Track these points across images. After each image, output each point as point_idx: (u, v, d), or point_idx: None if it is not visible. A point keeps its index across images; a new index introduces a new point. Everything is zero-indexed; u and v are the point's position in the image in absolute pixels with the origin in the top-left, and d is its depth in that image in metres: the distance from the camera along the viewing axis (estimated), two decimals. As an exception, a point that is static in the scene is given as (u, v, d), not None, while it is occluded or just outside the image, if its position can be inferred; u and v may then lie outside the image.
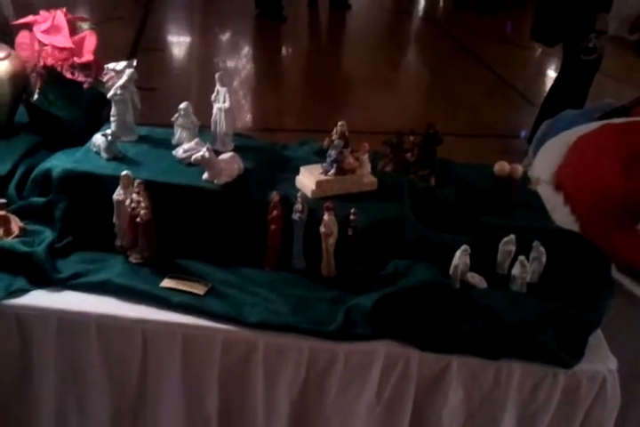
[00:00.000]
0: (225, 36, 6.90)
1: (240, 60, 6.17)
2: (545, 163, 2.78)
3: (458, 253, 1.86)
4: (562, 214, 2.37)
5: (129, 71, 2.02)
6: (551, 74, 6.26)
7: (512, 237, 1.93)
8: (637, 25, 4.71)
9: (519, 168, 2.23)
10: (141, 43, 6.18)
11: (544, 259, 1.91)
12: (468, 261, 1.87)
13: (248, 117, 4.99)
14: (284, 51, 6.87)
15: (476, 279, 1.89)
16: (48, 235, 1.85)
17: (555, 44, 4.60)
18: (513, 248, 1.93)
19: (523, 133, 4.89)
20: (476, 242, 1.94)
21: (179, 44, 6.72)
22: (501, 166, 2.20)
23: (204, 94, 2.18)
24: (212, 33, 6.87)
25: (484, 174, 2.31)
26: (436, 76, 6.20)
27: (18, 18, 2.26)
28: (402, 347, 1.66)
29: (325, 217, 1.81)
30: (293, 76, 6.23)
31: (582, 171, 2.60)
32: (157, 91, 4.77)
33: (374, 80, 5.87)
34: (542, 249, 1.90)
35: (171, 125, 2.09)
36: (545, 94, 4.74)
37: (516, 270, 1.88)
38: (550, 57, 6.48)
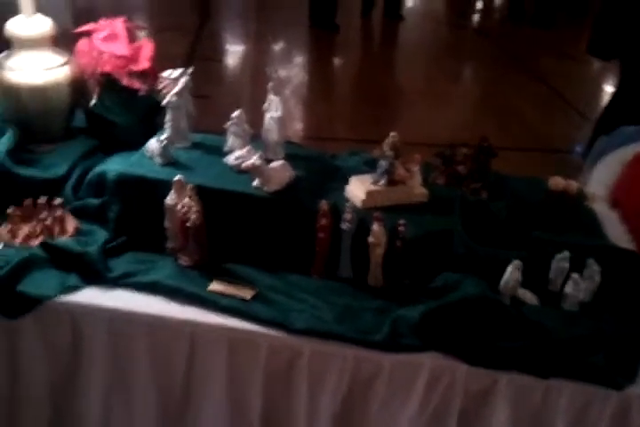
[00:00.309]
0: (278, 45, 6.96)
1: (292, 69, 6.21)
2: (601, 179, 2.71)
3: (509, 269, 1.82)
4: (617, 233, 2.30)
5: (184, 79, 2.05)
6: (607, 89, 6.12)
7: (566, 253, 1.88)
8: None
9: (574, 184, 2.18)
10: (197, 52, 6.28)
11: (598, 277, 1.86)
12: (519, 276, 1.83)
13: (299, 126, 5.02)
14: (336, 60, 6.89)
15: (528, 296, 1.85)
16: (101, 235, 1.89)
17: (612, 58, 4.51)
18: (567, 265, 1.89)
19: (578, 149, 4.79)
20: (529, 257, 1.90)
21: (233, 52, 6.81)
22: (555, 181, 2.16)
23: (256, 103, 2.20)
24: (266, 42, 6.93)
25: (537, 189, 2.27)
26: (489, 88, 6.13)
27: (78, 25, 2.32)
28: (449, 360, 1.64)
29: (374, 227, 1.80)
30: (345, 86, 6.25)
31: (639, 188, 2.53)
32: (210, 99, 4.83)
33: (426, 92, 5.84)
34: (597, 268, 1.85)
35: (223, 133, 2.11)
36: (601, 109, 4.64)
37: (568, 288, 1.84)
38: (607, 71, 6.34)
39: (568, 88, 6.01)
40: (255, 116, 2.17)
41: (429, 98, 5.65)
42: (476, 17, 8.84)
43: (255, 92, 5.46)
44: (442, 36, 7.82)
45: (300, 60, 6.68)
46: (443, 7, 8.80)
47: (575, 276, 1.83)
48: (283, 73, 6.05)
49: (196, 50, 6.38)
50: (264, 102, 2.09)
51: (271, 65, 6.19)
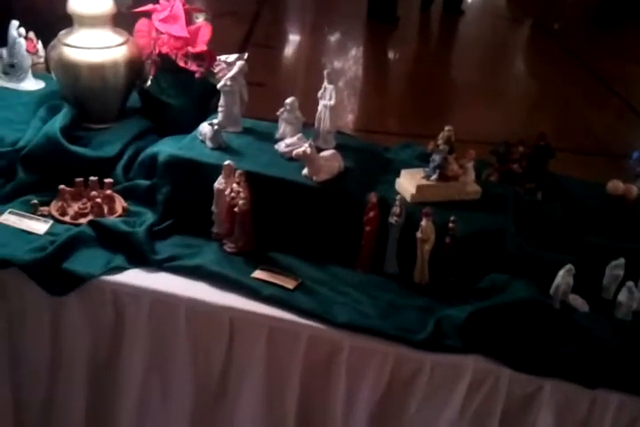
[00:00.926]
0: (334, 37, 6.91)
1: (347, 61, 6.16)
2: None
3: (561, 273, 1.76)
4: (676, 240, 2.21)
5: (240, 63, 2.04)
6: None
7: (621, 260, 1.81)
8: None
9: (634, 188, 2.10)
10: (252, 38, 6.28)
11: (655, 286, 1.79)
12: (571, 281, 1.76)
13: (350, 117, 4.97)
14: (391, 54, 6.81)
15: (579, 302, 1.78)
16: (149, 217, 1.89)
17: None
18: (621, 272, 1.82)
19: (635, 155, 4.64)
20: (582, 262, 1.83)
21: (289, 41, 6.79)
22: (615, 185, 2.08)
23: (309, 92, 2.17)
24: (322, 32, 6.89)
25: (594, 193, 2.19)
26: (547, 88, 5.98)
27: (138, 5, 2.32)
28: (492, 364, 1.59)
29: (423, 223, 1.75)
30: (399, 80, 6.17)
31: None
32: (265, 86, 4.82)
33: (482, 88, 5.72)
34: (654, 276, 1.78)
35: (275, 121, 2.09)
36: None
37: (622, 296, 1.77)
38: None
39: (630, 91, 5.83)
40: (308, 106, 2.14)
41: (484, 95, 5.54)
42: (537, 13, 8.62)
43: (309, 82, 5.42)
44: (502, 32, 7.65)
45: (355, 52, 6.62)
46: (504, 2, 8.60)
47: (630, 284, 1.76)
48: (338, 64, 6.01)
49: (253, 36, 6.37)
50: (318, 92, 2.06)
51: (327, 56, 6.17)
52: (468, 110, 5.15)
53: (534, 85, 6.26)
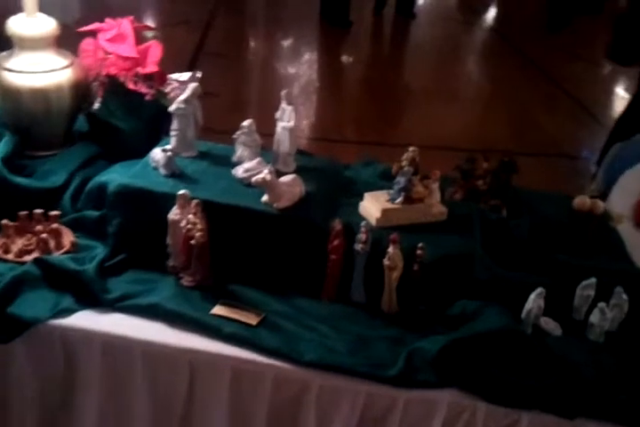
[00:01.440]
0: (287, 42, 6.84)
1: (301, 67, 6.09)
2: (623, 196, 2.59)
3: (532, 296, 1.71)
4: (643, 255, 2.19)
5: (192, 85, 1.94)
6: (621, 93, 6.00)
7: (592, 280, 1.78)
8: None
9: (600, 203, 2.07)
10: (205, 47, 6.16)
11: (626, 306, 1.76)
12: (542, 304, 1.72)
13: (306, 126, 4.90)
14: (345, 59, 6.76)
15: (551, 325, 1.74)
16: (100, 251, 1.78)
17: (631, 64, 4.39)
18: (592, 293, 1.78)
19: (586, 154, 4.69)
20: (552, 283, 1.79)
21: (242, 48, 6.69)
22: (581, 201, 2.05)
23: (264, 100, 2.10)
24: (275, 39, 6.82)
25: (559, 205, 2.16)
26: (500, 90, 6.00)
27: (85, 18, 2.20)
28: (467, 398, 1.53)
29: (390, 250, 1.69)
30: (354, 85, 6.12)
31: (666, 207, 2.41)
32: (219, 97, 4.72)
33: (437, 92, 5.71)
34: (625, 296, 1.75)
35: (229, 132, 1.99)
36: (615, 114, 4.53)
37: (594, 318, 1.73)
38: (620, 75, 6.22)
39: (581, 91, 5.89)
40: (263, 115, 2.06)
41: (439, 98, 5.53)
42: (490, 16, 8.69)
43: (265, 90, 5.35)
44: (454, 34, 7.67)
45: (309, 57, 6.55)
46: (455, 4, 8.63)
47: (602, 305, 1.73)
48: (291, 70, 5.94)
49: (205, 45, 6.26)
50: (273, 100, 1.98)
51: (281, 62, 6.09)
52: (424, 114, 5.13)
53: (488, 87, 6.29)
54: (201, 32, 6.57)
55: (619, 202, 2.56)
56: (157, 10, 7.45)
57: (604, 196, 3.55)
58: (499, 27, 8.13)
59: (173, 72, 2.15)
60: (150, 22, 6.94)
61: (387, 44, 7.62)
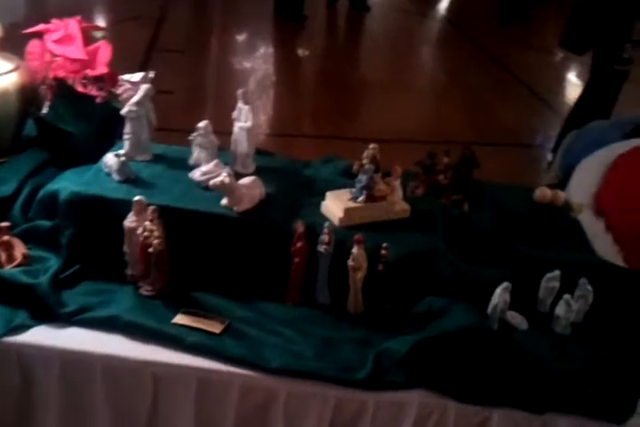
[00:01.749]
0: (242, 37, 6.76)
1: (256, 62, 6.02)
2: (582, 185, 2.61)
3: (498, 291, 1.71)
4: (603, 243, 2.20)
5: (145, 87, 1.88)
6: (573, 79, 6.08)
7: (557, 272, 1.78)
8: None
9: (560, 194, 2.07)
10: (158, 44, 6.05)
11: (591, 297, 1.77)
12: (508, 298, 1.72)
13: (264, 121, 4.84)
14: (300, 53, 6.71)
15: (517, 320, 1.74)
16: (53, 263, 1.72)
17: (584, 52, 4.43)
18: (557, 285, 1.79)
19: (541, 142, 4.74)
20: (516, 277, 1.79)
21: (195, 44, 6.58)
22: (542, 193, 2.05)
23: (220, 97, 2.05)
24: (230, 33, 6.73)
25: (520, 197, 2.16)
26: (456, 80, 6.02)
27: (32, 17, 2.12)
28: (437, 397, 1.52)
29: (354, 250, 1.66)
30: (311, 79, 6.08)
31: (624, 194, 2.44)
32: (174, 94, 4.63)
33: (393, 84, 5.71)
34: (589, 287, 1.75)
35: (185, 130, 1.95)
36: (569, 102, 4.58)
37: (560, 310, 1.74)
38: (572, 62, 6.30)
39: (534, 79, 5.95)
40: (220, 112, 2.01)
41: (396, 90, 5.53)
42: (443, 7, 8.72)
43: (220, 86, 5.27)
44: (408, 26, 7.69)
45: (264, 51, 6.48)
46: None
47: (567, 297, 1.73)
48: (247, 65, 5.87)
49: (158, 41, 6.14)
50: (230, 96, 1.93)
51: (236, 57, 6.01)
52: (381, 106, 5.11)
53: (443, 78, 6.31)
54: (153, 28, 6.45)
55: (578, 191, 2.58)
56: (107, 7, 7.29)
57: (562, 183, 3.60)
58: (452, 17, 8.17)
59: (126, 71, 2.09)
60: (100, 20, 6.79)
61: (341, 37, 7.59)
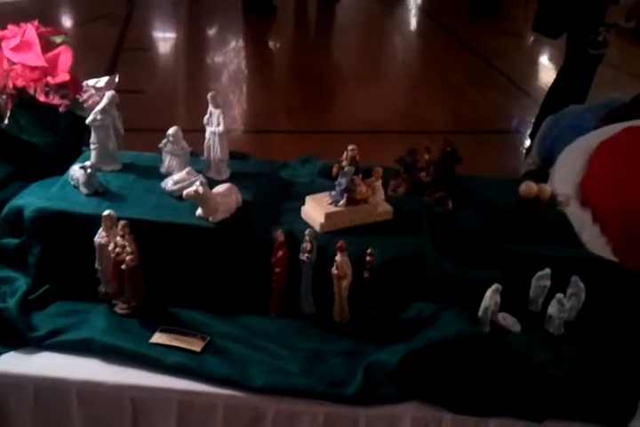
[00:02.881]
0: (212, 32, 6.65)
1: (227, 56, 5.92)
2: (566, 174, 2.56)
3: (488, 293, 1.65)
4: (592, 235, 2.16)
5: (109, 94, 1.79)
6: (546, 64, 6.05)
7: (547, 271, 1.73)
8: (634, 13, 4.50)
9: (546, 188, 2.02)
10: (125, 42, 5.91)
11: (583, 295, 1.72)
12: (499, 300, 1.66)
13: (238, 117, 4.75)
14: (272, 45, 6.62)
15: (509, 321, 1.68)
16: (22, 284, 1.63)
17: (558, 36, 4.39)
18: (548, 283, 1.74)
19: (515, 125, 4.71)
20: (506, 276, 1.74)
21: (164, 41, 6.46)
22: (528, 187, 2.00)
23: (192, 95, 1.96)
24: (199, 28, 6.61)
25: (506, 191, 2.11)
26: (429, 68, 5.98)
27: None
28: (432, 410, 1.46)
29: (338, 258, 1.59)
30: (283, 72, 5.99)
31: (609, 183, 2.38)
32: (144, 93, 4.53)
33: (367, 74, 5.64)
34: (582, 285, 1.70)
35: (160, 130, 1.85)
36: (544, 86, 4.55)
37: (552, 309, 1.69)
38: (544, 46, 6.28)
39: (507, 64, 5.92)
40: (193, 109, 1.91)
41: (370, 80, 5.47)
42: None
43: (191, 84, 5.16)
44: (379, 15, 7.61)
45: (234, 45, 6.37)
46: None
47: (560, 296, 1.68)
48: (217, 60, 5.77)
49: (126, 39, 6.01)
50: (202, 93, 1.84)
51: (206, 53, 5.90)
52: (356, 98, 5.06)
53: (418, 66, 6.26)
54: (120, 27, 6.32)
55: (562, 182, 2.53)
56: (73, 6, 7.13)
57: (541, 170, 3.58)
58: (422, 5, 8.11)
59: (95, 71, 1.99)
60: (67, 20, 6.65)
61: (313, 28, 7.50)
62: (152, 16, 7.00)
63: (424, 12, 7.72)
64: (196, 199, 1.63)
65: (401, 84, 5.73)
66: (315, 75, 5.57)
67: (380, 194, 1.83)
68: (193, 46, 6.22)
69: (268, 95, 5.18)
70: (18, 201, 1.73)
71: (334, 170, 1.80)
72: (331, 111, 5.01)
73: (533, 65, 6.16)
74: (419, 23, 7.56)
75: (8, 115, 1.92)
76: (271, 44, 6.66)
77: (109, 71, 4.77)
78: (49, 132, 1.93)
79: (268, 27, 6.89)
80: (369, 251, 1.60)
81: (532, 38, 6.55)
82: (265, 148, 4.03)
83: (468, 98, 5.19)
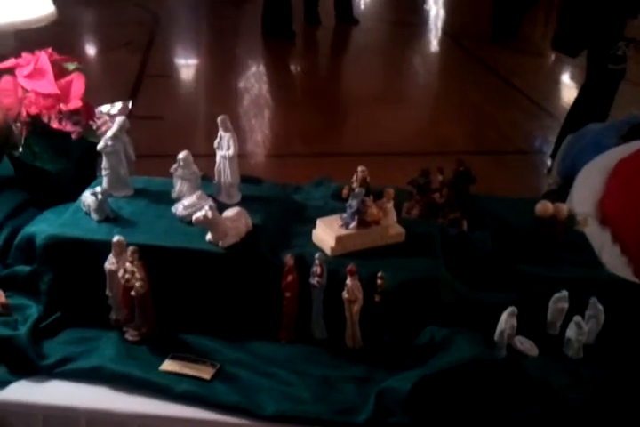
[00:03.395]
0: (231, 58, 6.72)
1: (248, 82, 5.98)
2: (585, 193, 2.52)
3: (504, 317, 1.61)
4: (611, 255, 2.11)
5: (119, 119, 1.80)
6: (567, 82, 6.01)
7: (565, 293, 1.69)
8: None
9: (563, 207, 1.99)
10: (147, 69, 6.01)
11: (602, 317, 1.67)
12: (515, 323, 1.62)
13: (257, 141, 4.78)
14: (291, 70, 6.68)
15: (526, 346, 1.64)
16: (33, 311, 1.63)
17: (578, 54, 4.37)
18: (566, 305, 1.69)
19: (538, 146, 4.67)
20: (522, 299, 1.70)
21: (185, 67, 6.56)
22: (544, 206, 1.97)
23: (211, 120, 1.96)
24: (219, 54, 6.70)
25: (523, 211, 2.08)
26: (449, 89, 5.97)
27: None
28: (446, 438, 1.41)
29: (348, 282, 1.57)
30: (303, 96, 6.03)
31: (629, 201, 2.34)
32: (164, 119, 4.58)
33: (386, 97, 5.65)
34: (600, 307, 1.66)
35: (176, 156, 1.85)
36: (565, 105, 4.51)
37: (571, 333, 1.64)
38: (564, 64, 6.25)
39: (528, 84, 5.89)
40: (213, 135, 1.91)
41: (389, 103, 5.47)
42: (431, 15, 8.68)
43: (209, 109, 5.21)
44: (396, 37, 7.65)
45: (254, 71, 6.44)
46: (393, 7, 8.57)
47: (578, 319, 1.64)
48: (239, 85, 5.82)
49: (148, 66, 6.11)
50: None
51: (225, 79, 5.97)
52: (375, 121, 5.05)
53: (437, 88, 6.26)
54: (142, 54, 6.42)
55: (581, 201, 2.48)
56: (97, 35, 7.29)
57: (562, 189, 3.53)
58: (442, 26, 8.13)
59: (117, 98, 2.01)
60: (91, 49, 6.80)
61: (331, 51, 7.55)
62: (173, 43, 7.12)
63: (442, 31, 7.74)
64: (205, 224, 1.62)
65: (420, 105, 5.73)
66: (333, 98, 5.61)
67: (392, 216, 1.81)
68: (214, 72, 6.29)
69: (287, 120, 5.21)
70: (30, 228, 1.75)
71: (344, 192, 1.79)
72: (349, 134, 5.01)
73: (554, 84, 6.12)
74: (438, 44, 7.57)
75: (22, 142, 1.93)
76: (290, 69, 6.71)
77: (131, 98, 4.85)
78: (62, 159, 1.93)
79: (286, 52, 6.96)
80: (379, 274, 1.58)
81: (552, 57, 6.53)
82: (282, 172, 4.05)
83: (489, 118, 5.17)
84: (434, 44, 7.58)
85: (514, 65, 6.41)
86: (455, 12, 8.80)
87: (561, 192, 3.57)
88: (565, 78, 6.21)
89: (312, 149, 4.58)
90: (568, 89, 5.75)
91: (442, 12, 9.00)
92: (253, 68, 6.50)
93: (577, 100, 4.40)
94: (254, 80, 6.11)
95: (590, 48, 4.13)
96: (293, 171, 4.02)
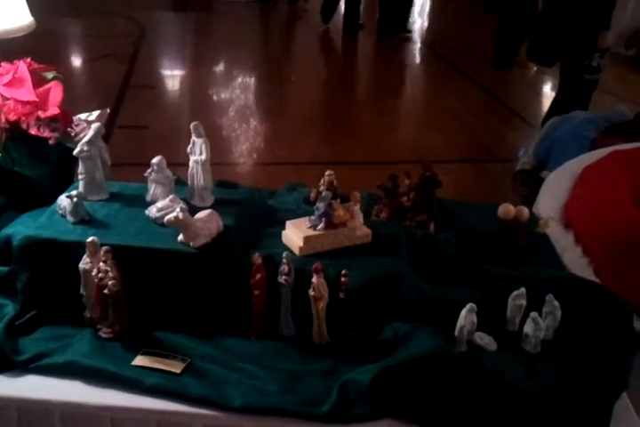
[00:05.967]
0: (215, 69, 6.81)
1: (233, 92, 6.05)
2: (550, 197, 2.60)
3: (463, 313, 1.68)
4: (574, 256, 2.19)
5: (95, 125, 1.87)
6: (547, 92, 6.12)
7: (522, 290, 1.75)
8: (634, 41, 4.58)
9: (524, 210, 2.06)
10: (131, 80, 6.07)
11: (559, 314, 1.74)
12: (475, 319, 1.69)
13: (241, 150, 4.84)
14: (276, 81, 6.76)
15: (485, 341, 1.71)
16: (9, 309, 1.69)
17: (553, 64, 4.48)
18: (524, 302, 1.76)
19: (521, 152, 4.76)
20: (483, 296, 1.77)
21: (170, 78, 6.62)
22: (506, 209, 2.04)
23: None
24: (205, 65, 6.77)
25: (487, 214, 2.15)
26: (431, 99, 6.07)
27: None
28: (405, 427, 1.48)
29: (314, 280, 1.64)
30: (286, 106, 6.11)
31: (592, 206, 2.42)
32: (148, 129, 4.64)
33: (369, 107, 5.75)
34: (556, 303, 1.73)
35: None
36: (543, 114, 4.61)
37: (528, 328, 1.71)
38: (544, 75, 6.36)
39: (508, 94, 6.00)
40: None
41: (372, 113, 5.56)
42: (415, 27, 8.80)
43: (194, 119, 5.28)
44: (378, 48, 7.77)
45: (240, 81, 6.51)
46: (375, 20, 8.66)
47: (534, 315, 1.70)
48: (224, 95, 5.89)
49: (132, 77, 6.17)
50: (206, 128, 1.91)
51: (210, 89, 6.04)
52: (359, 130, 5.13)
53: (418, 98, 6.35)
54: (128, 64, 6.49)
55: (547, 204, 2.57)
56: (82, 45, 7.35)
57: (535, 170, 3.62)
58: (425, 38, 8.25)
59: (101, 107, 2.07)
60: (75, 58, 6.86)
61: (315, 61, 7.64)
62: (157, 54, 7.19)
63: (426, 45, 7.85)
64: (177, 225, 1.69)
65: (401, 114, 5.83)
66: (318, 108, 5.69)
67: (359, 218, 1.88)
68: (198, 83, 6.36)
69: (272, 129, 5.28)
70: (7, 230, 1.80)
71: (312, 195, 1.86)
72: (333, 143, 5.08)
73: (534, 94, 6.24)
74: (419, 55, 7.69)
75: (1, 148, 2.00)
76: (277, 78, 6.78)
77: (116, 108, 4.91)
78: (40, 165, 2.00)
79: (272, 62, 7.05)
80: (343, 272, 1.65)
81: (534, 69, 6.64)
82: (267, 179, 4.11)
83: (469, 127, 5.27)
84: (417, 56, 7.70)
85: (495, 76, 6.52)
86: (438, 25, 8.94)
87: (533, 174, 3.66)
88: (545, 89, 6.33)
89: (297, 158, 4.65)
90: (547, 99, 5.85)
91: (425, 25, 9.14)
92: (239, 79, 6.57)
93: (551, 108, 4.51)
94: (239, 91, 6.19)
95: (564, 59, 4.24)
96: (278, 179, 4.09)
